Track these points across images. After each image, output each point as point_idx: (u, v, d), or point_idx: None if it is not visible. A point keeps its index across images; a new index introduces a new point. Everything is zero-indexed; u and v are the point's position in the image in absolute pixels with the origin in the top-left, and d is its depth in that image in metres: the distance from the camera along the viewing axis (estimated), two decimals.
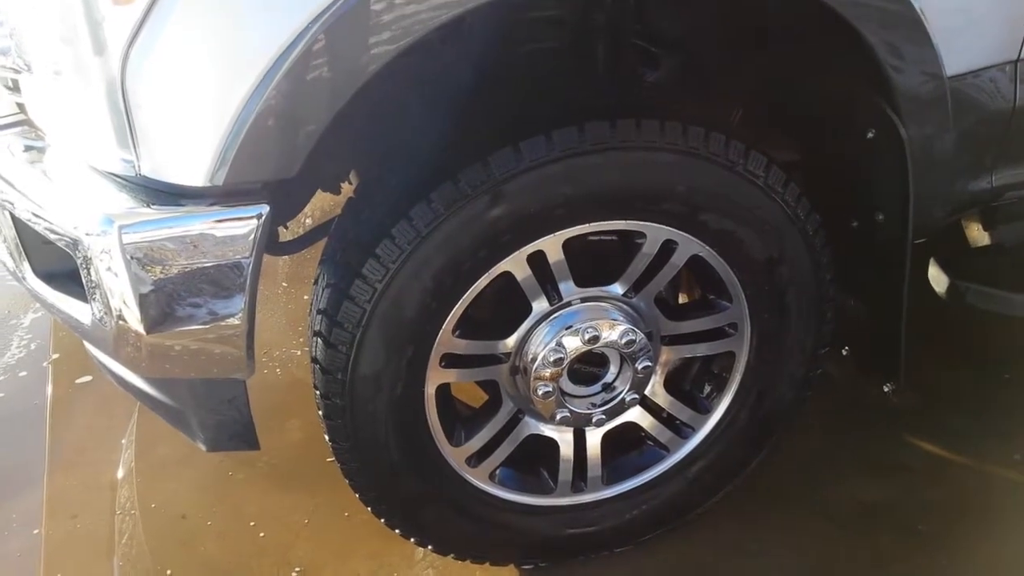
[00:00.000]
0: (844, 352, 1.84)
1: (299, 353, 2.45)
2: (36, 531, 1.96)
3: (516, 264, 1.48)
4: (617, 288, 1.58)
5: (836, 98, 1.63)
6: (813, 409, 1.86)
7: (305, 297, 2.66)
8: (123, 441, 2.22)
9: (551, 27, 1.64)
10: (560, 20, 1.63)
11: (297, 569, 1.83)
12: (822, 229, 1.60)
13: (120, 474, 2.12)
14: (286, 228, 2.02)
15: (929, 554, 1.80)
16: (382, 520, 1.68)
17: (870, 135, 1.57)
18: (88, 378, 2.40)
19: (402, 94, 1.48)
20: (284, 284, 2.79)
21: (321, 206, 2.70)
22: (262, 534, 1.92)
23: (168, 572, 1.85)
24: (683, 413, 1.73)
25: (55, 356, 2.52)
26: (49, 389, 2.40)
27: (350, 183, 2.00)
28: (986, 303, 1.85)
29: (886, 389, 1.77)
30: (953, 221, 1.82)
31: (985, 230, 1.87)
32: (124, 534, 1.96)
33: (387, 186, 1.53)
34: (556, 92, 1.57)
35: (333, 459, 1.64)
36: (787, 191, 1.54)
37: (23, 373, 2.48)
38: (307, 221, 2.70)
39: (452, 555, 1.76)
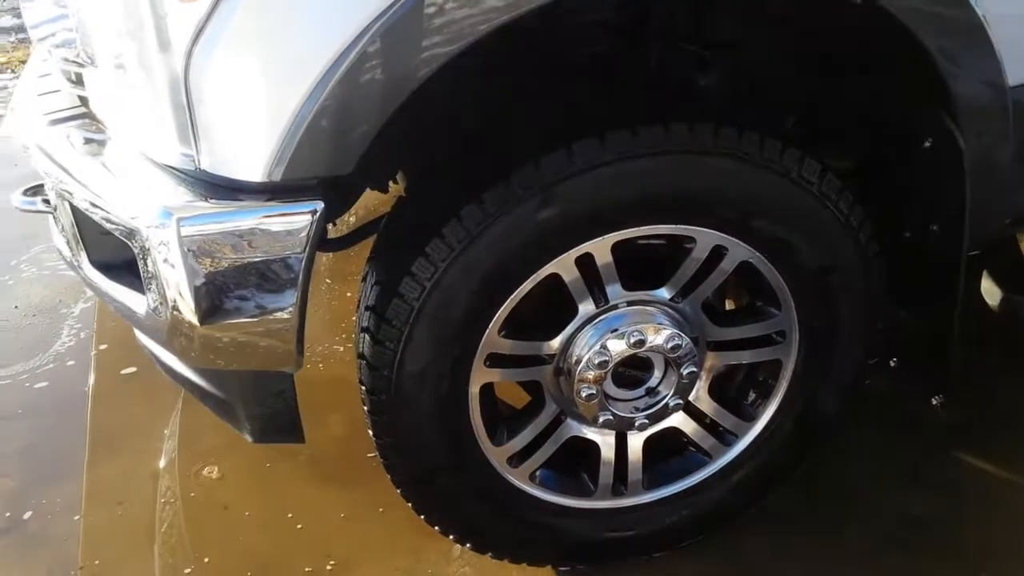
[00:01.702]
0: (892, 364, 1.82)
1: (342, 349, 2.47)
2: (77, 517, 1.99)
3: (564, 266, 1.48)
4: (664, 292, 1.57)
5: (894, 106, 1.60)
6: (860, 420, 1.84)
7: (348, 294, 2.68)
8: (166, 431, 2.25)
9: (604, 31, 1.63)
10: (614, 24, 1.63)
11: (332, 562, 1.84)
12: (875, 239, 1.58)
13: (162, 463, 2.15)
14: (334, 225, 2.04)
15: (978, 570, 1.77)
16: (421, 516, 1.69)
17: (927, 144, 1.55)
18: (133, 369, 2.43)
19: (455, 96, 1.49)
20: (328, 281, 2.81)
21: (366, 204, 2.72)
22: (301, 526, 1.94)
23: (206, 560, 1.87)
24: (727, 420, 1.72)
25: (102, 347, 2.56)
26: (92, 378, 2.44)
27: (397, 182, 2.01)
28: None
29: (935, 402, 1.74)
30: (1009, 234, 1.79)
31: None
32: (164, 522, 1.98)
33: (438, 186, 1.53)
34: (609, 95, 1.56)
35: (374, 455, 1.65)
36: (841, 199, 1.52)
37: (71, 362, 2.53)
38: (351, 219, 2.72)
39: (490, 554, 1.76)
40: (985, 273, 1.87)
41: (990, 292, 1.85)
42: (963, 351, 1.67)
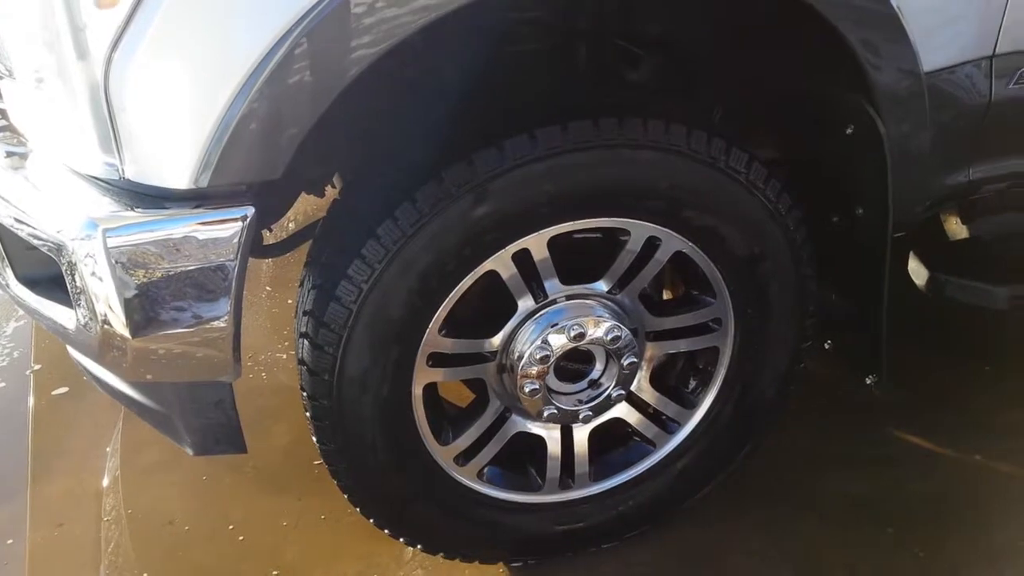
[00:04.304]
0: (827, 346, 1.86)
1: (284, 357, 2.45)
2: (18, 541, 1.94)
3: (501, 263, 1.48)
4: (602, 285, 1.59)
5: (816, 95, 1.64)
6: (797, 404, 1.88)
7: (289, 301, 2.65)
8: (108, 449, 2.21)
9: (532, 28, 1.65)
10: (541, 21, 1.64)
11: (275, 572, 1.82)
12: (803, 224, 1.62)
13: (105, 482, 2.11)
14: (270, 232, 2.02)
15: (913, 546, 1.82)
16: (370, 521, 1.69)
17: (849, 131, 1.59)
18: (65, 389, 2.38)
19: (385, 96, 1.49)
20: (268, 288, 2.78)
21: (304, 209, 2.70)
22: (249, 538, 1.92)
23: None
24: (669, 408, 1.75)
25: (37, 367, 2.50)
26: (31, 399, 2.38)
27: (334, 186, 2.00)
28: (965, 295, 1.88)
29: (868, 382, 1.79)
30: (932, 215, 1.85)
31: (963, 223, 1.90)
32: (110, 541, 1.95)
33: (371, 187, 1.53)
34: (539, 92, 1.58)
35: (320, 462, 1.64)
36: (768, 187, 1.55)
37: (2, 384, 2.46)
38: (290, 225, 2.69)
39: (441, 554, 1.76)
40: (912, 254, 1.92)
41: (917, 272, 1.90)
42: (894, 331, 1.72)
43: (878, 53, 1.48)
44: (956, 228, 1.90)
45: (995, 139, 1.69)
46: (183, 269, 1.27)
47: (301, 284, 1.57)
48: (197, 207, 1.26)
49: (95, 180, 1.32)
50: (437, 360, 1.55)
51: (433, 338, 1.50)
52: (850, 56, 1.47)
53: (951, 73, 1.58)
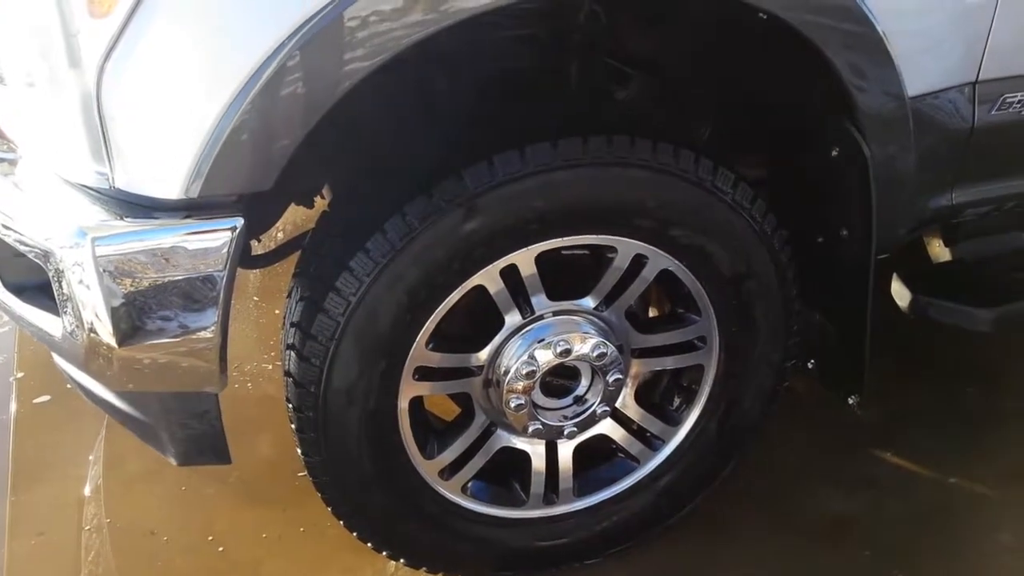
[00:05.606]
0: (810, 366, 1.88)
1: (270, 368, 2.44)
2: (0, 547, 1.93)
3: (489, 278, 1.49)
4: (589, 302, 1.60)
5: (802, 117, 1.67)
6: (781, 423, 1.90)
7: (276, 312, 2.65)
8: (90, 457, 2.19)
9: (525, 46, 1.66)
10: (534, 39, 1.66)
11: None
12: (788, 245, 1.64)
13: (87, 491, 2.09)
14: (258, 242, 2.02)
15: (894, 568, 1.83)
16: (354, 534, 1.68)
17: (834, 153, 1.61)
18: (47, 397, 2.36)
19: (377, 110, 1.50)
20: (255, 298, 2.78)
21: (293, 220, 2.70)
22: (230, 550, 1.91)
23: None
24: (653, 425, 1.76)
25: (20, 374, 2.48)
26: (13, 407, 2.36)
27: (323, 197, 2.00)
28: (948, 317, 1.89)
29: (851, 402, 1.80)
30: (915, 237, 1.87)
31: (946, 246, 1.92)
32: (91, 551, 1.93)
33: (361, 200, 1.54)
34: (529, 109, 1.59)
35: (304, 474, 1.63)
36: (755, 207, 1.57)
37: None
38: (279, 235, 2.69)
39: (424, 568, 1.76)
40: (895, 276, 1.94)
41: (900, 294, 1.92)
42: (876, 352, 1.74)
43: (864, 76, 1.51)
44: (939, 250, 1.92)
45: (978, 164, 1.72)
46: (171, 279, 1.27)
47: (289, 295, 1.57)
48: (187, 217, 1.26)
49: (85, 189, 1.32)
50: (424, 374, 1.55)
51: (420, 352, 1.51)
52: (835, 79, 1.49)
53: (935, 98, 1.60)
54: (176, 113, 1.22)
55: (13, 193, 1.41)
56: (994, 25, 1.57)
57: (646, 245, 1.54)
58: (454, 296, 1.48)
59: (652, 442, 1.77)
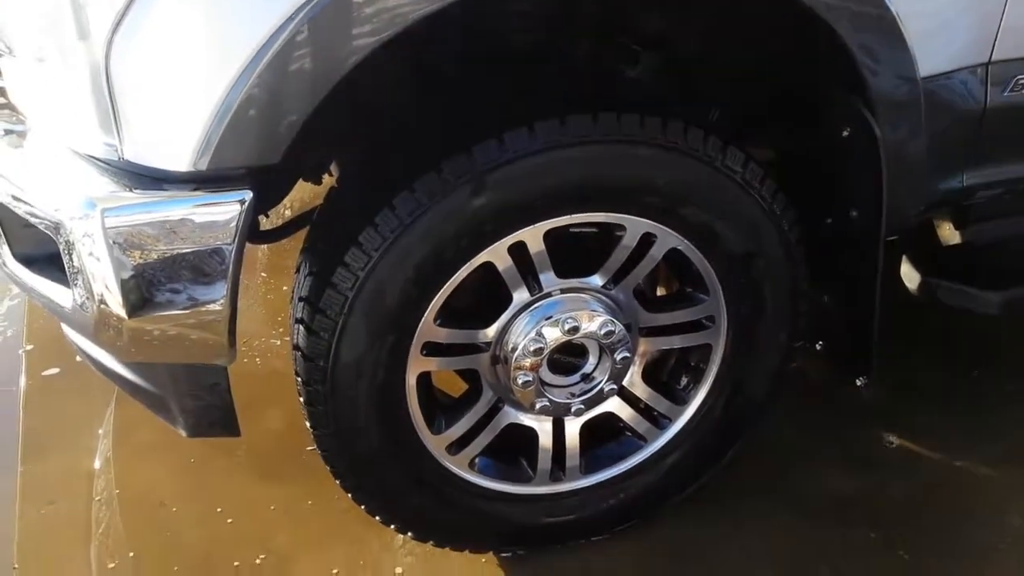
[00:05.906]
0: (818, 347, 1.88)
1: (278, 343, 2.45)
2: (8, 518, 1.94)
3: (497, 254, 1.49)
4: (597, 280, 1.60)
5: (813, 97, 1.65)
6: (788, 403, 1.90)
7: (284, 288, 2.65)
8: (100, 430, 2.21)
9: (533, 20, 1.65)
10: (542, 14, 1.65)
11: (262, 556, 1.83)
12: (798, 224, 1.63)
13: (97, 462, 2.11)
14: (267, 217, 2.02)
15: (898, 548, 1.84)
16: (362, 507, 1.69)
17: (845, 133, 1.60)
18: (57, 370, 2.38)
19: (385, 85, 1.49)
20: (263, 274, 2.79)
21: (301, 196, 2.69)
22: (238, 521, 1.93)
23: (131, 555, 1.85)
24: (660, 404, 1.76)
25: (29, 347, 2.50)
26: (23, 379, 2.38)
27: (331, 174, 2.00)
28: (956, 300, 1.89)
29: (858, 383, 1.80)
30: (925, 219, 1.86)
31: (956, 229, 1.91)
32: (101, 522, 1.95)
33: (370, 175, 1.53)
34: (539, 85, 1.58)
35: (312, 448, 1.64)
36: (764, 187, 1.56)
37: None
38: (287, 211, 2.69)
39: (431, 542, 1.77)
40: (904, 257, 1.93)
41: (909, 276, 1.92)
42: (884, 334, 1.73)
43: (876, 57, 1.49)
44: (948, 233, 1.91)
45: (990, 146, 1.71)
46: (180, 251, 1.27)
47: (297, 270, 1.58)
48: (195, 190, 1.27)
49: (94, 160, 1.32)
50: (432, 349, 1.55)
51: (428, 327, 1.51)
52: (848, 59, 1.48)
53: (948, 79, 1.59)
54: (185, 86, 1.22)
55: (23, 164, 1.41)
56: (1008, 5, 1.56)
57: (655, 223, 1.54)
58: (462, 272, 1.48)
59: (659, 421, 1.77)
